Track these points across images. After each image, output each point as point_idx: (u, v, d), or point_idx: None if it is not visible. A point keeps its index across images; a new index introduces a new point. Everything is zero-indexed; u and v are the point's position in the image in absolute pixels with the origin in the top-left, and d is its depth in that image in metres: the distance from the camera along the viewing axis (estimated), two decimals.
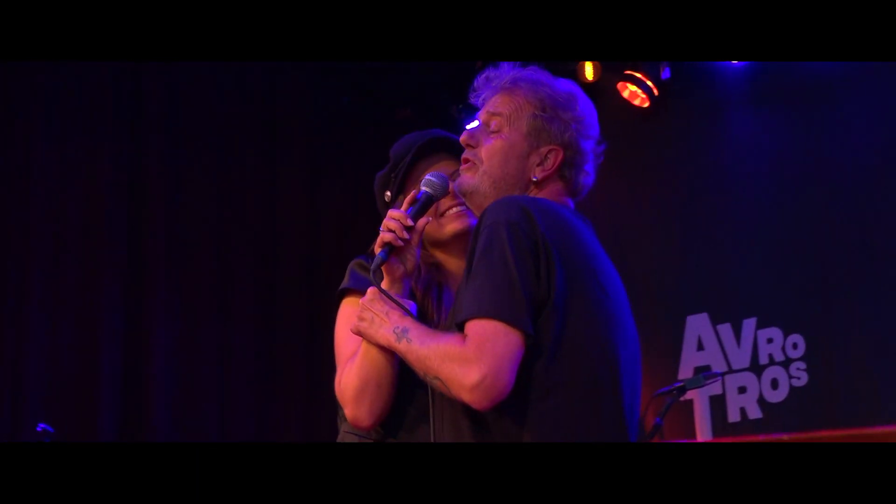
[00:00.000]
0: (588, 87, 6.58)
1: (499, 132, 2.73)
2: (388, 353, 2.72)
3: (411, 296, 2.83)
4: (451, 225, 2.94)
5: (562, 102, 2.73)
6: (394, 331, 2.63)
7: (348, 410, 2.77)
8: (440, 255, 2.99)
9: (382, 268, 2.75)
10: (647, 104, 6.50)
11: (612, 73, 6.53)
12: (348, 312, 2.90)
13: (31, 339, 5.93)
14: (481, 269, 2.48)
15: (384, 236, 2.74)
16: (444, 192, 2.82)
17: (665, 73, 6.44)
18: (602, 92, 6.63)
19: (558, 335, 2.47)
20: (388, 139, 7.45)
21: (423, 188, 2.82)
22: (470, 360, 2.41)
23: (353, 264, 2.98)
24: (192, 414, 6.28)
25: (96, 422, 5.96)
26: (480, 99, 2.82)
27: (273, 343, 6.65)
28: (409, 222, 2.76)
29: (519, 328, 2.42)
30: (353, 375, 2.76)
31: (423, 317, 2.85)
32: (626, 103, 6.52)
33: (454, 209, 2.96)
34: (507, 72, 2.79)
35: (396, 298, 2.70)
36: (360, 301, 2.74)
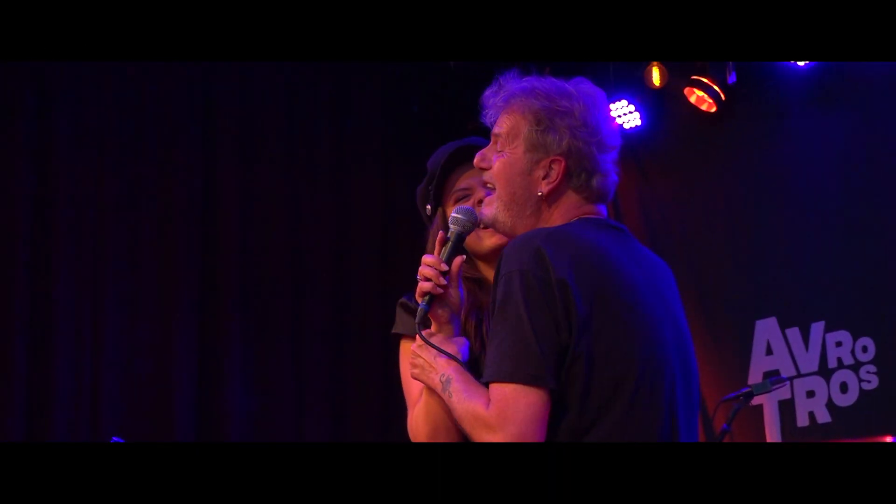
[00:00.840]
0: (656, 93, 6.60)
1: (502, 151, 2.68)
2: None
3: (462, 330, 2.82)
4: (490, 240, 2.92)
5: (559, 111, 2.65)
6: (440, 380, 2.63)
7: None
8: (483, 268, 2.98)
9: (429, 315, 2.74)
10: (714, 109, 6.50)
11: (679, 78, 6.53)
12: (404, 356, 2.93)
13: (107, 349, 6.00)
14: (497, 328, 2.48)
15: (423, 286, 2.72)
16: (474, 224, 2.77)
17: (731, 78, 6.43)
18: (670, 97, 6.64)
19: (588, 374, 2.45)
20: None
21: (452, 226, 2.77)
22: (493, 427, 2.43)
23: (398, 305, 2.98)
24: (267, 423, 6.37)
25: (172, 431, 6.03)
26: (489, 118, 2.76)
27: (346, 351, 6.71)
28: (444, 267, 2.73)
29: (540, 386, 2.42)
30: (422, 421, 2.76)
31: (466, 337, 2.84)
32: (694, 108, 6.52)
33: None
34: (506, 87, 2.73)
35: (440, 346, 2.68)
36: (412, 348, 2.74)
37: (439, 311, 2.73)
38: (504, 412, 2.42)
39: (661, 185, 6.66)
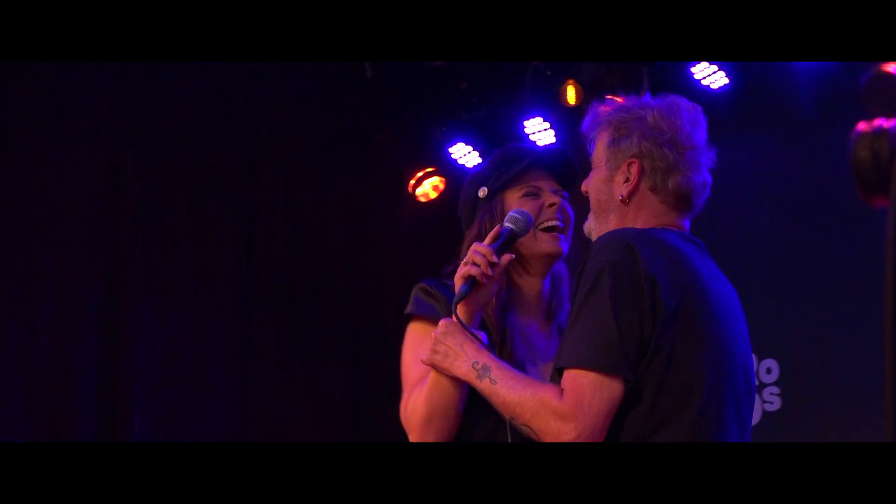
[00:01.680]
0: (569, 112, 6.63)
1: (595, 169, 2.78)
2: (459, 384, 2.73)
3: (481, 325, 2.84)
4: (548, 245, 2.94)
5: (633, 118, 2.75)
6: (473, 366, 2.64)
7: (413, 436, 2.80)
8: (518, 270, 2.96)
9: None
10: None
11: (594, 97, 6.56)
12: (415, 338, 2.90)
13: (4, 346, 5.94)
14: (582, 316, 2.50)
15: (470, 269, 2.74)
16: (527, 229, 2.84)
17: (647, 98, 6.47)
18: (583, 116, 6.66)
19: (665, 371, 2.50)
20: (370, 159, 7.49)
21: (507, 224, 2.83)
22: (567, 416, 2.45)
23: (417, 289, 2.96)
24: (171, 417, 6.37)
25: (70, 429, 5.97)
26: (589, 148, 2.86)
27: (250, 351, 6.71)
28: (495, 259, 2.77)
29: (618, 376, 2.45)
30: (421, 404, 2.77)
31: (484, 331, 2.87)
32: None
33: (555, 231, 2.96)
34: (595, 115, 2.83)
35: (476, 333, 2.71)
36: (433, 334, 2.74)
37: (472, 300, 2.77)
38: (581, 402, 2.44)
39: (575, 202, 6.68)
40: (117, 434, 6.12)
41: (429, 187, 6.84)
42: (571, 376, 2.47)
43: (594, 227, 2.75)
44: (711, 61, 6.13)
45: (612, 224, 2.73)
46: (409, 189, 6.84)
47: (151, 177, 6.46)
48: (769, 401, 6.14)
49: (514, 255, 2.84)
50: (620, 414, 2.48)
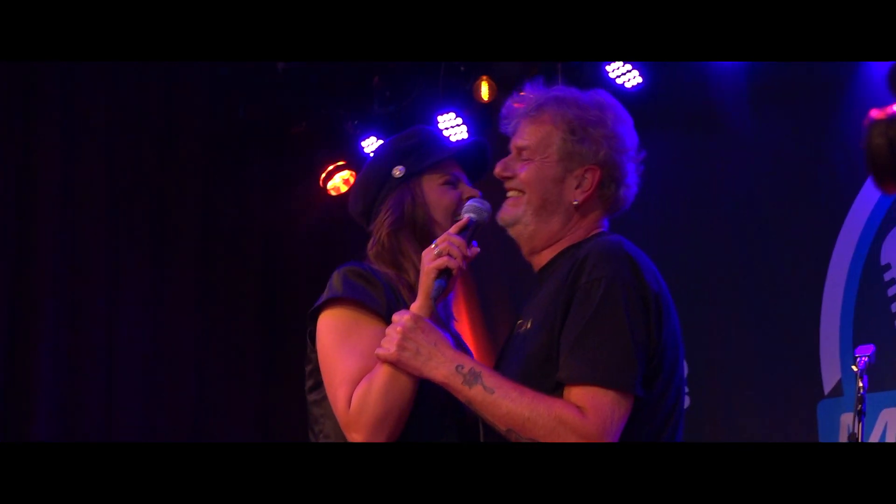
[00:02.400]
0: (482, 108, 6.60)
1: (531, 161, 2.70)
2: (416, 383, 2.61)
3: (435, 317, 2.72)
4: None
5: (592, 120, 2.69)
6: (457, 370, 2.55)
7: (360, 436, 2.62)
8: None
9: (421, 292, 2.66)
10: None
11: (506, 93, 6.53)
12: (347, 325, 2.73)
13: None
14: (596, 331, 2.48)
15: (448, 262, 2.65)
16: (486, 219, 2.77)
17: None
18: (497, 112, 6.63)
19: (663, 385, 2.55)
20: (282, 152, 7.44)
21: (472, 215, 2.77)
22: (592, 436, 2.42)
23: (346, 271, 2.79)
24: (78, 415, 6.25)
25: None
26: (510, 127, 2.78)
27: (160, 350, 6.64)
28: (468, 252, 2.70)
29: (632, 393, 2.47)
30: (375, 402, 2.60)
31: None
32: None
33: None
34: (532, 97, 2.76)
35: (454, 332, 2.72)
36: (398, 327, 2.60)
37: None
38: (605, 422, 2.43)
39: (487, 198, 6.66)
40: (20, 433, 6.00)
41: (339, 181, 6.81)
42: (591, 394, 2.45)
43: (531, 225, 2.69)
44: (626, 61, 6.14)
45: (553, 226, 2.69)
46: (321, 182, 6.79)
47: (63, 169, 6.35)
48: None
49: (479, 249, 2.76)
50: (627, 427, 2.49)
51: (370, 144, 6.69)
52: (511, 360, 2.65)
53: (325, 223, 6.89)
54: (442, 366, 2.56)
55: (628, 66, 6.23)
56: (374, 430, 2.61)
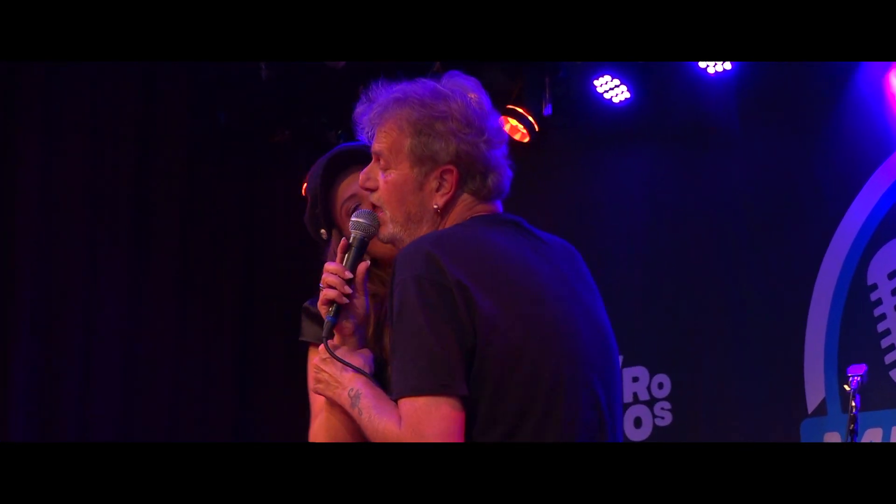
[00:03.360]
0: None
1: (388, 170, 2.54)
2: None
3: (366, 341, 2.69)
4: (385, 247, 2.72)
5: (437, 115, 2.51)
6: (348, 394, 2.50)
7: None
8: (382, 273, 2.78)
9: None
10: (527, 139, 6.51)
11: (494, 107, 6.51)
12: (310, 364, 2.75)
13: None
14: (398, 341, 2.38)
15: (327, 293, 2.58)
16: (376, 228, 2.62)
17: (547, 110, 6.46)
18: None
19: (499, 375, 2.35)
20: (263, 160, 7.40)
21: (353, 231, 2.62)
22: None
23: (302, 311, 2.85)
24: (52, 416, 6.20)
25: None
26: (366, 135, 2.61)
27: (138, 352, 6.59)
28: (348, 274, 2.58)
29: (450, 393, 2.33)
30: (321, 436, 2.66)
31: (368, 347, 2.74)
32: (507, 137, 6.52)
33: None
34: (375, 101, 2.59)
35: (347, 360, 2.55)
36: (314, 362, 2.61)
37: (344, 322, 2.59)
38: (418, 429, 2.32)
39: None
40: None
41: None
42: (404, 405, 2.35)
43: (405, 239, 2.54)
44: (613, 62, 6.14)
45: (426, 232, 2.53)
46: (303, 192, 6.76)
47: (42, 171, 6.29)
48: (660, 416, 6.15)
49: (369, 262, 2.67)
50: (471, 425, 2.35)
51: None
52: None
53: (306, 230, 6.87)
54: (342, 391, 2.54)
55: (616, 81, 6.23)
56: None
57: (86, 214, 6.46)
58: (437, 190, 2.52)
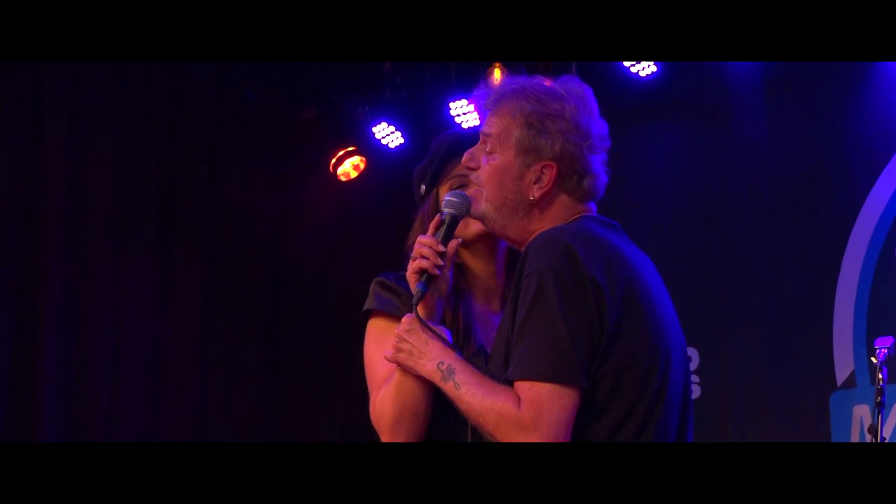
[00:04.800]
0: None
1: (492, 153, 2.67)
2: (426, 382, 2.68)
3: (441, 319, 2.80)
4: (475, 226, 2.84)
5: (550, 113, 2.62)
6: (438, 367, 2.60)
7: (384, 437, 2.76)
8: (465, 256, 2.92)
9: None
10: None
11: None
12: (377, 335, 2.86)
13: None
14: (531, 325, 2.47)
15: (420, 263, 2.71)
16: (468, 209, 2.75)
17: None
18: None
19: (616, 374, 2.48)
20: (292, 138, 7.39)
21: (446, 209, 2.76)
22: (527, 427, 2.43)
23: (375, 283, 2.92)
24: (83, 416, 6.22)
25: None
26: (478, 117, 2.79)
27: (167, 329, 6.61)
28: (441, 248, 2.72)
29: (574, 385, 2.44)
30: (390, 404, 2.73)
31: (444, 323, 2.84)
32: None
33: None
34: (494, 88, 2.71)
35: (438, 331, 2.67)
36: (396, 331, 2.69)
37: (430, 295, 2.72)
38: (540, 413, 2.42)
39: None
40: (26, 434, 5.99)
41: (349, 166, 6.80)
42: (527, 387, 2.44)
43: (497, 221, 2.67)
44: (638, 61, 6.13)
45: (519, 221, 2.66)
46: (331, 168, 6.78)
47: (70, 159, 6.32)
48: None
49: (460, 240, 2.80)
50: (579, 419, 2.46)
51: (381, 130, 6.68)
52: (492, 355, 2.69)
53: (334, 209, 6.88)
54: (428, 363, 2.63)
55: None
56: (392, 431, 2.74)
57: (113, 199, 6.48)
58: (535, 182, 2.64)
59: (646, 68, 6.24)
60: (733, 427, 5.98)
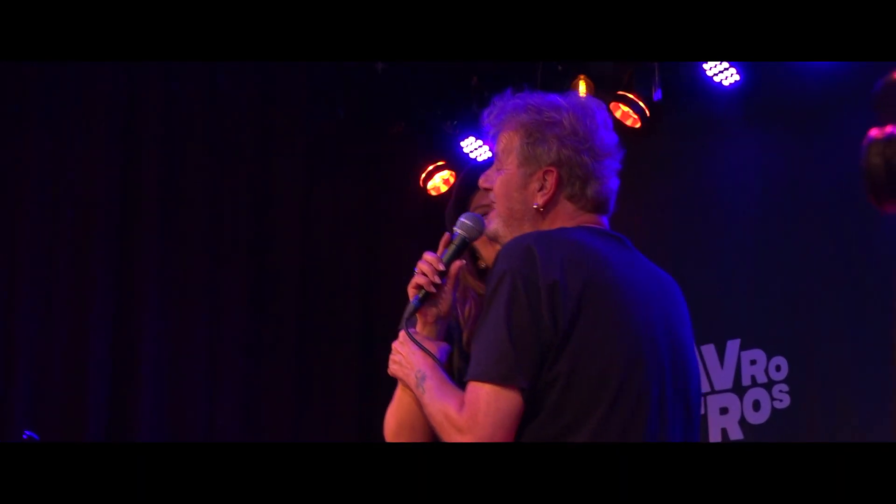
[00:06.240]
0: None
1: (500, 169, 2.73)
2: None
3: (447, 336, 2.81)
4: (495, 247, 2.85)
5: (547, 122, 2.68)
6: (415, 375, 2.65)
7: None
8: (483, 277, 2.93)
9: (417, 312, 2.74)
10: (638, 125, 6.54)
11: (604, 93, 6.56)
12: None
13: (20, 342, 5.94)
14: (481, 327, 2.52)
15: (418, 279, 2.73)
16: (480, 232, 2.78)
17: (657, 95, 6.48)
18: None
19: (570, 371, 2.47)
20: (381, 153, 7.49)
21: (457, 230, 2.78)
22: (462, 429, 2.47)
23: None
24: (181, 415, 6.34)
25: (84, 426, 5.96)
26: (490, 139, 2.81)
27: (263, 344, 6.71)
28: (441, 267, 2.73)
29: (512, 385, 2.45)
30: (391, 416, 2.79)
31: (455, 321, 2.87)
32: (619, 123, 6.55)
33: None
34: (497, 108, 2.77)
35: (421, 343, 2.69)
36: (393, 344, 2.75)
37: (427, 310, 2.74)
38: (476, 415, 2.46)
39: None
40: (126, 434, 6.13)
41: (439, 181, 6.86)
42: (470, 389, 2.49)
43: (507, 235, 2.70)
44: (721, 61, 6.13)
45: (526, 231, 2.69)
46: (420, 183, 6.85)
47: (165, 173, 6.48)
48: (778, 398, 6.14)
49: (464, 262, 2.80)
50: (533, 418, 2.48)
51: (469, 145, 6.74)
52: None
53: (423, 223, 6.95)
54: (410, 373, 2.67)
55: (725, 64, 6.22)
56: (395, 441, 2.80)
57: (209, 209, 6.63)
58: (539, 190, 2.68)
59: (729, 77, 6.25)
60: (823, 436, 5.94)
